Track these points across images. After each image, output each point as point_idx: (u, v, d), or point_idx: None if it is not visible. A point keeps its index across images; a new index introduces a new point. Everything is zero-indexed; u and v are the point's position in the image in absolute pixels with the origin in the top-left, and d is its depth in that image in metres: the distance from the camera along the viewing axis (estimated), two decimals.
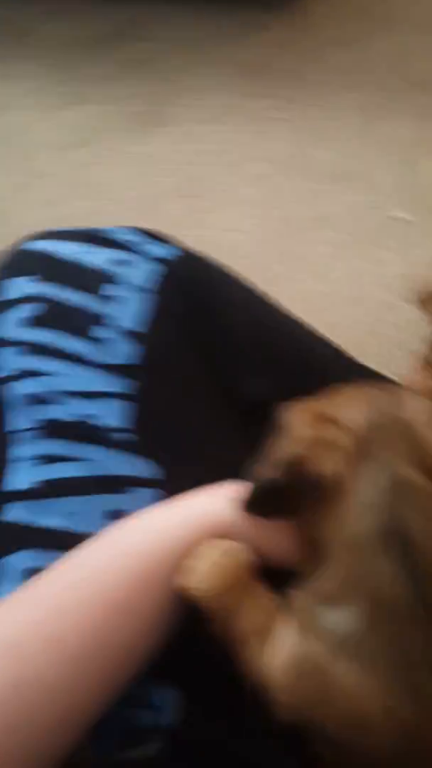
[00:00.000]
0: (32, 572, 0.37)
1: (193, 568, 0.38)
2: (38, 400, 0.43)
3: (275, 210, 1.15)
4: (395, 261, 1.05)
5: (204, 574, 0.38)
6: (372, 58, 1.24)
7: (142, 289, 0.47)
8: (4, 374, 0.43)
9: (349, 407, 0.42)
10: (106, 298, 0.46)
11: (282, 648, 0.37)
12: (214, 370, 0.49)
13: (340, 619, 0.36)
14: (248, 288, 0.55)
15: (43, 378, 0.43)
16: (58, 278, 0.46)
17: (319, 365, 0.55)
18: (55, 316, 0.45)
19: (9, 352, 0.44)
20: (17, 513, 0.40)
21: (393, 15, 1.27)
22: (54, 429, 0.42)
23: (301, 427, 0.42)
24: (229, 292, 0.54)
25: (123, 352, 0.45)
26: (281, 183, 1.18)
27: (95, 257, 0.48)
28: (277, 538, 0.41)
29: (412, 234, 1.06)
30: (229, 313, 0.52)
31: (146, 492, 0.42)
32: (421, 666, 0.34)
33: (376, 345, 0.97)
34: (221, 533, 0.40)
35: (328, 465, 0.39)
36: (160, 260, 0.50)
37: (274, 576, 0.40)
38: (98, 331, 0.45)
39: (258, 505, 0.42)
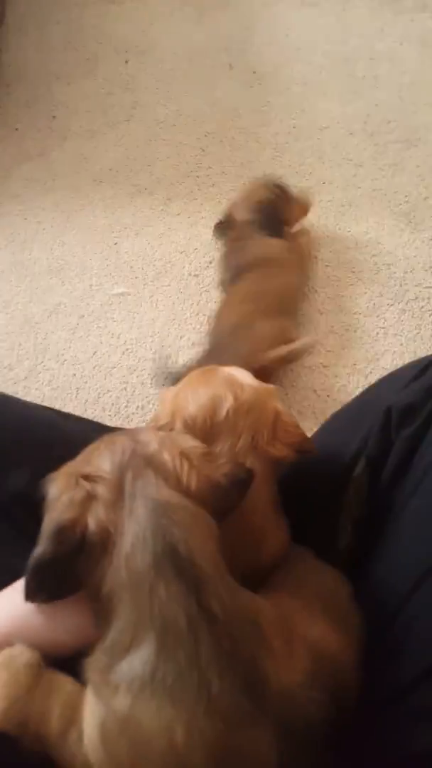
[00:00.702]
0: None
1: None
2: None
3: (6, 312, 1.17)
4: (127, 329, 1.14)
5: None
6: (57, 167, 1.36)
7: None
8: None
9: (95, 458, 0.45)
10: None
11: (89, 723, 0.36)
12: None
13: (134, 662, 0.36)
14: None
15: None
16: None
17: (68, 439, 0.57)
18: None
19: None
20: None
21: (65, 128, 1.42)
22: None
23: (59, 493, 0.43)
24: None
25: None
26: (5, 288, 1.20)
27: None
28: (69, 619, 0.40)
29: (132, 303, 1.17)
30: None
31: None
32: (210, 668, 0.35)
33: (131, 404, 1.04)
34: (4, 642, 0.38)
35: (90, 519, 0.41)
36: None
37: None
38: None
39: (40, 589, 0.41)
